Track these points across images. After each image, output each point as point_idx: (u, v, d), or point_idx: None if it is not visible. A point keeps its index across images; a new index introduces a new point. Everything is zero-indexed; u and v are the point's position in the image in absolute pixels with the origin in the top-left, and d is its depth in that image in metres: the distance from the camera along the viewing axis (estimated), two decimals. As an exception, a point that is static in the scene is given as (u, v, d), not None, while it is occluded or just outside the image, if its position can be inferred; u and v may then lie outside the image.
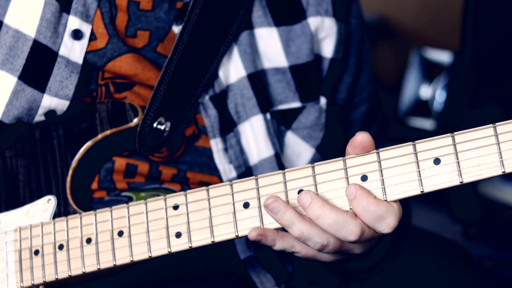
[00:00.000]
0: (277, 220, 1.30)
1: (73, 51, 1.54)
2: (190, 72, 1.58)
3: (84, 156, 1.50)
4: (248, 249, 1.63)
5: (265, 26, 1.64)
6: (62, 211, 1.48)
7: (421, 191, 1.26)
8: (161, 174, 1.61)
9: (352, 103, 1.76)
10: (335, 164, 1.30)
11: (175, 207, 1.37)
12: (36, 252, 1.44)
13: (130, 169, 1.59)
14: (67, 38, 1.54)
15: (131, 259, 1.38)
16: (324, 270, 1.56)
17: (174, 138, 1.58)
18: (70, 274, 1.41)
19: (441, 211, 3.58)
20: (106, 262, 1.40)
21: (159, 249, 1.37)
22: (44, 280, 1.43)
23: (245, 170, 1.63)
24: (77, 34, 1.55)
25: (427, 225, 2.47)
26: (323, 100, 1.68)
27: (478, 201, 3.44)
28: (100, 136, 1.50)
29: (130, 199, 1.57)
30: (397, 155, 1.27)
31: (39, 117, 1.54)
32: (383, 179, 1.28)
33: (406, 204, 1.36)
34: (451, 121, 3.60)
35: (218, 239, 1.34)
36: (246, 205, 1.33)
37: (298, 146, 1.66)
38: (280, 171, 1.32)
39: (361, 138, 1.28)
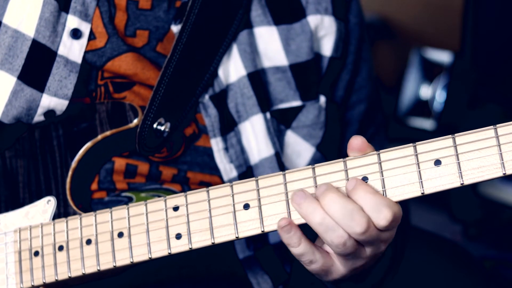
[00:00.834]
0: (300, 207, 1.28)
1: (72, 50, 1.54)
2: (190, 72, 1.57)
3: (84, 156, 1.49)
4: (248, 248, 1.63)
5: (264, 25, 1.64)
6: (62, 212, 1.47)
7: (422, 193, 1.26)
8: (161, 174, 1.61)
9: (349, 102, 1.75)
10: (336, 165, 1.30)
11: (175, 208, 1.37)
12: (36, 253, 1.44)
13: (130, 169, 1.59)
14: (66, 37, 1.54)
15: (131, 260, 1.38)
16: None
17: (174, 138, 1.58)
18: (70, 275, 1.41)
19: (441, 211, 3.58)
20: (106, 263, 1.39)
21: (159, 250, 1.36)
22: (44, 281, 1.43)
23: (246, 170, 1.62)
24: (76, 34, 1.54)
25: (427, 225, 2.46)
26: (322, 99, 1.67)
27: (478, 201, 3.44)
28: (100, 137, 1.50)
29: (130, 200, 1.57)
30: (398, 157, 1.27)
31: (38, 117, 1.53)
32: (384, 181, 1.28)
33: (404, 220, 1.34)
34: (451, 121, 3.60)
35: (218, 240, 1.34)
36: (246, 206, 1.33)
37: (298, 145, 1.66)
38: (281, 172, 1.32)
39: (356, 142, 1.29)
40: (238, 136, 1.62)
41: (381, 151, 1.28)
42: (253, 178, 1.33)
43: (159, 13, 1.60)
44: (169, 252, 1.36)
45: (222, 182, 1.62)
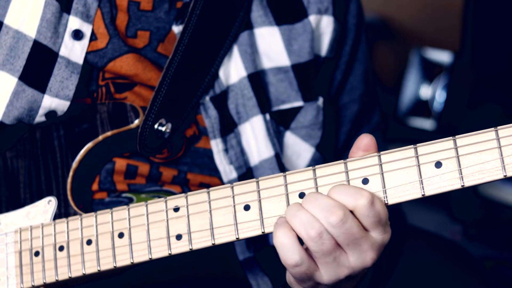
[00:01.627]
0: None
1: (73, 51, 1.54)
2: (191, 73, 1.57)
3: (84, 157, 1.49)
4: (248, 250, 1.63)
5: (266, 25, 1.64)
6: (62, 212, 1.48)
7: (422, 195, 1.26)
8: (161, 175, 1.61)
9: (341, 102, 1.75)
10: (336, 167, 1.30)
11: (176, 209, 1.37)
12: (37, 254, 1.44)
13: (131, 170, 1.59)
14: (67, 38, 1.54)
15: (132, 261, 1.38)
16: None
17: (175, 139, 1.58)
18: (70, 276, 1.41)
19: (441, 211, 3.58)
20: (107, 264, 1.39)
21: (160, 251, 1.37)
22: (44, 281, 1.43)
23: (246, 171, 1.62)
24: (77, 34, 1.55)
25: (427, 225, 2.46)
26: (320, 99, 1.67)
27: (478, 201, 3.44)
28: (100, 137, 1.50)
29: (130, 200, 1.57)
30: (399, 158, 1.27)
31: (39, 117, 1.54)
32: (384, 183, 1.28)
33: (398, 224, 1.33)
34: (451, 121, 3.60)
35: (218, 241, 1.34)
36: (246, 208, 1.33)
37: (298, 146, 1.66)
38: (281, 173, 1.32)
39: (366, 141, 1.28)
40: (238, 138, 1.62)
41: (381, 152, 1.28)
42: (254, 179, 1.33)
43: (160, 14, 1.60)
44: (170, 252, 1.36)
45: (222, 183, 1.62)
